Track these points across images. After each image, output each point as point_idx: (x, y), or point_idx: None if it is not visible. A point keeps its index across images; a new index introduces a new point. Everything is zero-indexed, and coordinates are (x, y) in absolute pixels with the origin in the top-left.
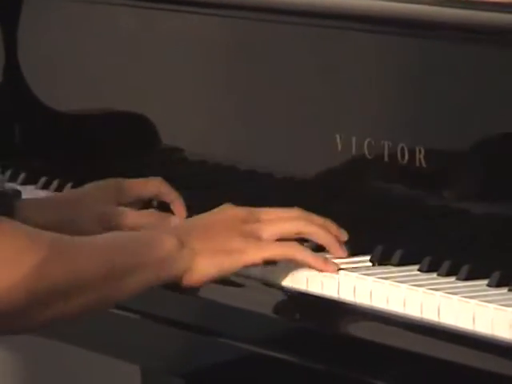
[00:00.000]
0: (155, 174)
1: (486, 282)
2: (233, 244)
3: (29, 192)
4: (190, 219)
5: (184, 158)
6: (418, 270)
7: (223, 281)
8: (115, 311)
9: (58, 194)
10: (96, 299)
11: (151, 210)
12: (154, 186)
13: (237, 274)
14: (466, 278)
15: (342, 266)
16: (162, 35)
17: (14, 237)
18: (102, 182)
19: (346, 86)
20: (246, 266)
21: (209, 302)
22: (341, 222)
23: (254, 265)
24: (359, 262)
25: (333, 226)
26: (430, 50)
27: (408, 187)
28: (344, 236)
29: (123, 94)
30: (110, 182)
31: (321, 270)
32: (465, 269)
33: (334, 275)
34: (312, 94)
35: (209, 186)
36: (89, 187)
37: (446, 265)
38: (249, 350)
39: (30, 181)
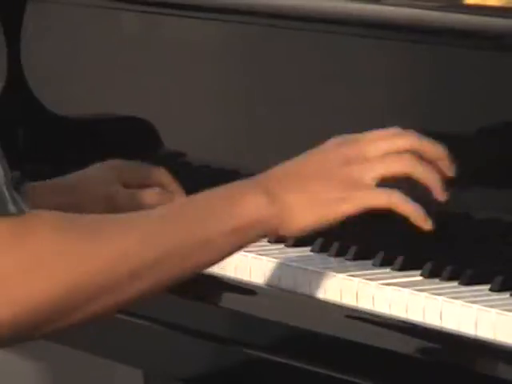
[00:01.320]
0: None
1: (488, 286)
2: (331, 194)
3: None
4: (284, 164)
5: (185, 162)
6: (421, 275)
7: (228, 287)
8: (118, 316)
9: (60, 178)
10: (154, 283)
11: (156, 189)
12: (157, 173)
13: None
14: (469, 283)
15: (342, 271)
16: (164, 40)
17: (41, 230)
18: (105, 163)
19: (340, 90)
20: (345, 216)
21: (212, 307)
22: (339, 227)
23: (353, 214)
24: (361, 266)
25: (445, 159)
26: (423, 54)
27: (408, 191)
28: (451, 172)
29: (126, 99)
30: (113, 163)
31: (419, 224)
32: (467, 274)
33: (338, 278)
34: (309, 100)
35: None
36: (92, 169)
37: (448, 270)
38: (251, 356)
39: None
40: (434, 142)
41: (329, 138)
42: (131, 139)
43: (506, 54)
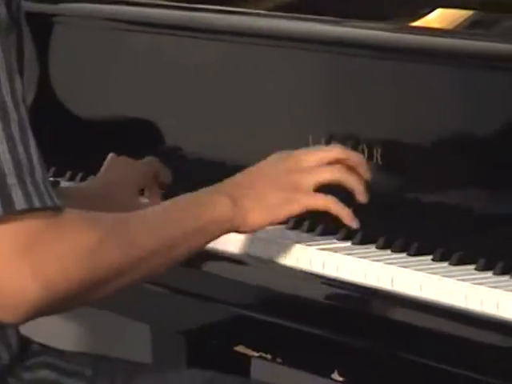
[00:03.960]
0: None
1: (431, 257)
2: (278, 198)
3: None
4: (240, 174)
5: (182, 155)
6: (376, 247)
7: (221, 257)
8: None
9: (84, 186)
10: (148, 271)
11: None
12: (151, 165)
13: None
14: (415, 254)
15: (312, 244)
16: (168, 57)
17: (73, 223)
18: (126, 173)
19: (318, 99)
20: (290, 216)
21: (208, 274)
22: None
23: (296, 214)
24: (327, 240)
25: (365, 167)
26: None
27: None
28: (368, 175)
29: (136, 102)
30: (132, 174)
31: (348, 223)
32: (414, 246)
33: (309, 250)
34: (288, 102)
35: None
36: (113, 180)
37: (399, 242)
38: (234, 313)
39: (58, 174)
40: (353, 152)
41: (300, 134)
42: (144, 140)
43: (441, 67)
